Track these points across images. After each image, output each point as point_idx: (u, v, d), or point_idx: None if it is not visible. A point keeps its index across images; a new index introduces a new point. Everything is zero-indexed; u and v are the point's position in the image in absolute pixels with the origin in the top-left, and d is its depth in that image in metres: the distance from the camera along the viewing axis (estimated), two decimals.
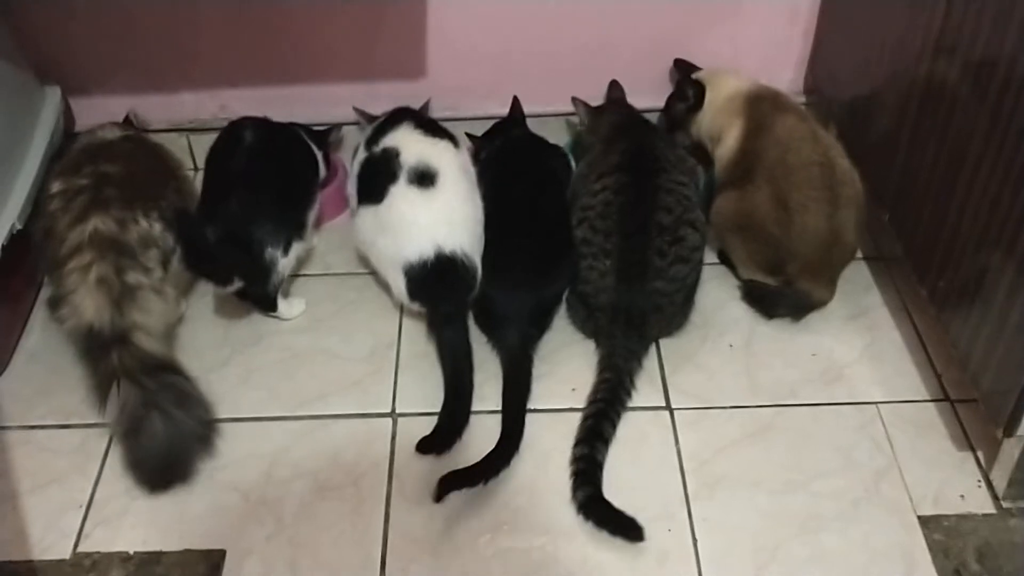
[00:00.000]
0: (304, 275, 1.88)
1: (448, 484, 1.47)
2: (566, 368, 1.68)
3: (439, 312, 1.68)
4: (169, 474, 1.52)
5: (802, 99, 2.10)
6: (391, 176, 1.69)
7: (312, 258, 1.90)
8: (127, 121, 1.94)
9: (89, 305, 1.52)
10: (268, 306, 1.75)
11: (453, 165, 1.74)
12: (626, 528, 1.43)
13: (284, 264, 1.71)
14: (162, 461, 1.51)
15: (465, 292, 1.67)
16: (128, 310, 1.53)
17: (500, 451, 1.51)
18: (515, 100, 2.00)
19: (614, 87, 2.00)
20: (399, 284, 1.68)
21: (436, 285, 1.66)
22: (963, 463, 1.53)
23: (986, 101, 1.38)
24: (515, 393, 1.59)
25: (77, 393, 1.63)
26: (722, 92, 1.89)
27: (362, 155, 1.80)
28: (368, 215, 1.72)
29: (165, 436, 1.49)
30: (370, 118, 1.94)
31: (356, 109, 1.99)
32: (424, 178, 1.69)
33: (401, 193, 1.68)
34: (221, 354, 1.73)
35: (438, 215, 1.67)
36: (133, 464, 1.52)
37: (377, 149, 1.76)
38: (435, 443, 1.55)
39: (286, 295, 1.79)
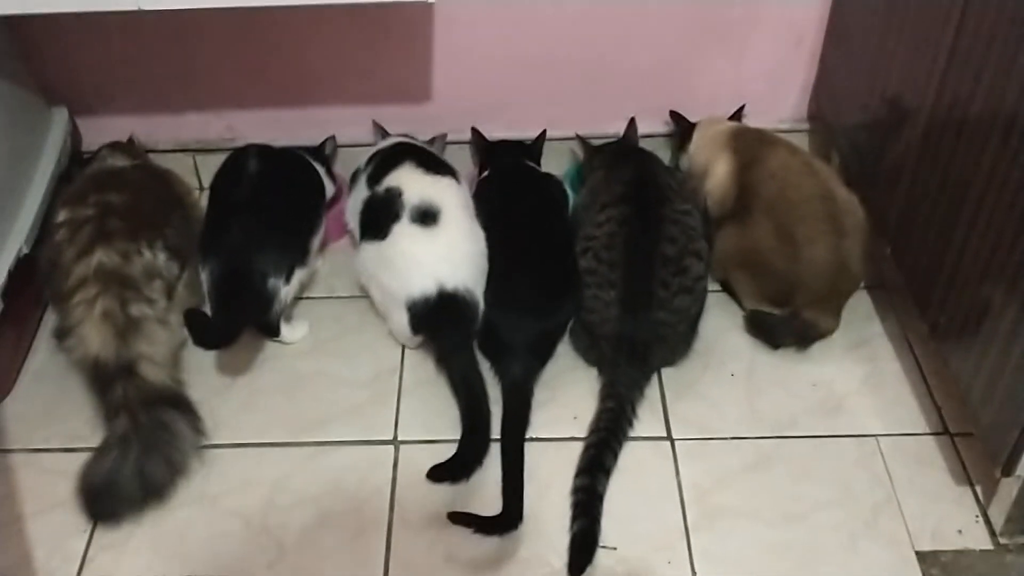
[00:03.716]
0: (307, 298, 1.88)
1: (458, 518, 1.48)
2: (569, 396, 1.69)
3: (443, 346, 1.69)
4: (110, 510, 1.52)
5: (805, 126, 2.11)
6: (394, 216, 1.71)
7: (316, 281, 1.91)
8: (130, 142, 1.95)
9: (95, 338, 1.54)
10: (271, 332, 1.76)
11: (455, 202, 1.75)
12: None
13: (286, 292, 1.72)
14: (108, 495, 1.51)
15: (468, 327, 1.68)
16: (133, 342, 1.55)
17: (508, 510, 1.49)
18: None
19: (631, 126, 2.02)
20: (402, 319, 1.69)
21: (439, 321, 1.67)
22: (961, 498, 1.54)
23: (991, 136, 1.38)
24: (514, 423, 1.60)
25: (82, 416, 1.64)
26: (708, 130, 1.95)
27: (364, 192, 1.82)
28: (371, 251, 1.74)
29: (123, 475, 1.50)
30: (385, 134, 1.98)
31: (375, 123, 2.02)
32: (427, 216, 1.70)
33: (404, 231, 1.70)
34: (224, 377, 1.74)
35: (441, 253, 1.68)
36: (81, 488, 1.52)
37: (380, 188, 1.77)
38: (452, 472, 1.54)
39: (289, 319, 1.80)
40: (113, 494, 1.51)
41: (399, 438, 1.64)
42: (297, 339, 1.80)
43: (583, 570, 1.43)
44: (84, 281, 1.57)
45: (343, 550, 1.48)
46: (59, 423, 1.66)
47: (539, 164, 2.01)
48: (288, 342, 1.79)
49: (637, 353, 1.65)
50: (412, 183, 1.76)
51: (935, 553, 1.47)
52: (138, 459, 1.50)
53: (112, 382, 1.52)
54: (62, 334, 1.58)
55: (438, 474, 1.54)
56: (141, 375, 1.54)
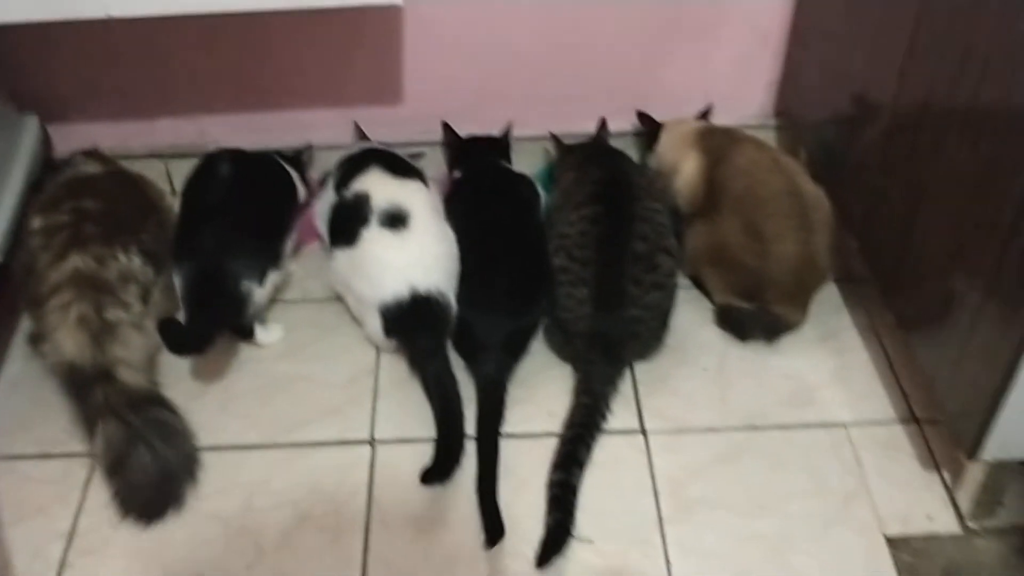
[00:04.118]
0: (282, 301, 1.89)
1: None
2: (543, 392, 1.71)
3: (416, 350, 1.70)
4: (158, 506, 1.53)
5: (773, 122, 2.13)
6: (362, 220, 1.72)
7: (290, 284, 1.92)
8: (94, 153, 1.95)
9: (70, 344, 1.54)
10: (245, 335, 1.77)
11: (423, 205, 1.76)
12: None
13: (260, 295, 1.73)
14: (150, 494, 1.53)
15: (441, 329, 1.69)
16: (109, 347, 1.55)
17: (488, 519, 1.51)
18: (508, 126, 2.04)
19: (602, 126, 2.04)
20: (375, 324, 1.70)
21: (412, 324, 1.68)
22: (930, 484, 1.57)
23: (950, 130, 1.42)
24: (488, 420, 1.62)
25: (59, 422, 1.64)
26: (676, 129, 1.98)
27: (332, 197, 1.83)
28: (342, 257, 1.75)
29: (152, 470, 1.51)
30: (364, 136, 2.02)
31: (357, 125, 2.05)
32: (396, 220, 1.71)
33: (373, 236, 1.71)
34: (199, 381, 1.75)
35: (411, 256, 1.69)
36: (122, 498, 1.53)
37: (347, 193, 1.78)
38: (437, 474, 1.56)
39: (263, 322, 1.80)
40: (165, 487, 1.53)
41: (376, 438, 1.65)
42: (272, 342, 1.81)
43: (548, 561, 1.44)
44: (59, 287, 1.57)
45: (322, 550, 1.49)
46: (36, 429, 1.66)
47: (510, 160, 2.02)
48: (263, 345, 1.80)
49: (610, 349, 1.67)
50: (379, 187, 1.77)
51: (905, 539, 1.49)
52: (155, 454, 1.51)
53: (90, 387, 1.52)
54: (37, 340, 1.59)
55: (429, 478, 1.56)
56: (119, 379, 1.54)
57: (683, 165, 1.89)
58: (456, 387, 1.65)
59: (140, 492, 1.53)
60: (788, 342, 1.79)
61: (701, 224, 1.83)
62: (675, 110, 2.03)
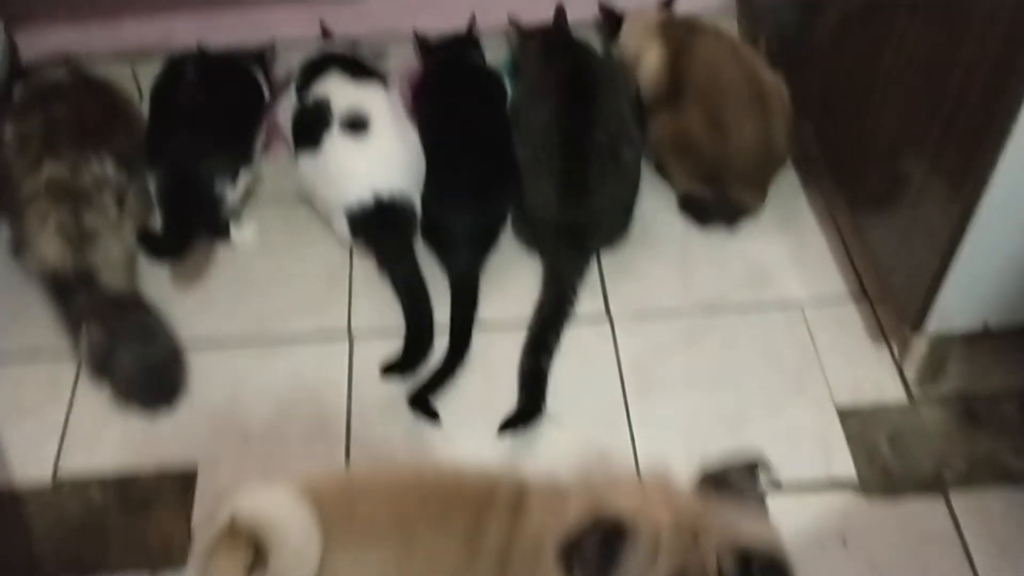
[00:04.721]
0: (255, 200, 1.92)
1: (394, 369, 1.58)
2: (512, 283, 1.77)
3: (382, 252, 1.74)
4: (160, 393, 1.60)
5: (733, 11, 2.15)
6: (323, 126, 1.73)
7: (261, 183, 1.95)
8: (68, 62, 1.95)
9: (50, 251, 1.58)
10: (221, 234, 1.81)
11: (384, 108, 1.77)
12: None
13: (233, 194, 1.77)
14: (142, 389, 1.59)
15: (407, 231, 1.73)
16: (88, 252, 1.60)
17: (446, 367, 1.60)
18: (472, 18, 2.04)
19: (560, 14, 2.04)
20: (342, 227, 1.74)
21: (377, 227, 1.71)
22: (879, 358, 1.65)
23: (898, 12, 1.45)
24: (461, 312, 1.68)
25: (43, 325, 1.68)
26: (638, 21, 1.98)
27: (294, 102, 1.84)
28: (306, 162, 1.77)
29: (137, 369, 1.58)
30: (327, 34, 2.03)
31: (322, 23, 2.04)
32: (356, 125, 1.73)
33: (335, 141, 1.72)
34: (177, 282, 1.79)
35: (373, 161, 1.71)
36: (123, 397, 1.59)
37: (308, 98, 1.80)
38: (400, 368, 1.61)
39: (238, 221, 1.85)
40: (156, 376, 1.60)
41: (353, 332, 1.72)
42: (247, 241, 1.85)
43: (512, 428, 1.52)
44: (36, 195, 1.61)
45: (306, 442, 1.57)
46: (22, 332, 1.71)
47: (481, 56, 2.03)
48: (238, 244, 1.84)
49: (576, 239, 1.73)
50: (339, 92, 1.78)
51: (855, 409, 1.58)
52: (136, 355, 1.57)
53: (72, 292, 1.58)
54: (18, 247, 1.63)
55: (391, 370, 1.61)
56: (100, 284, 1.59)
57: (645, 56, 1.91)
58: (424, 287, 1.70)
59: (132, 389, 1.59)
60: (747, 226, 1.85)
61: (664, 113, 1.86)
62: (637, 0, 2.04)
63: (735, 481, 0.92)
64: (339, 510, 0.95)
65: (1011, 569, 1.38)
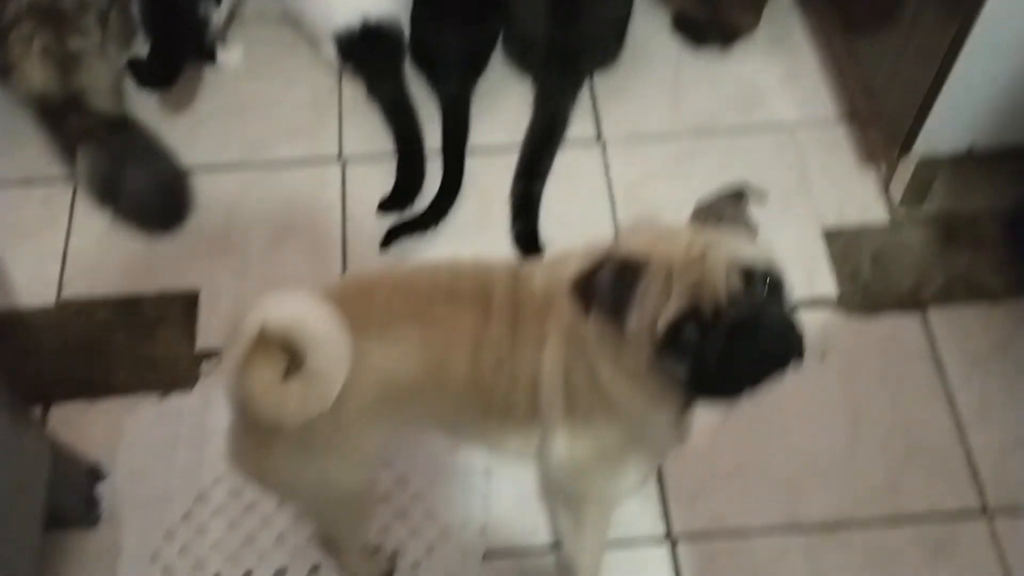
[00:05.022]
0: (240, 21, 1.88)
1: (395, 233, 1.58)
2: (504, 106, 1.76)
3: (371, 77, 1.72)
4: (171, 211, 1.61)
5: None
6: None
7: (245, 3, 1.90)
8: None
9: (37, 75, 1.56)
10: (208, 57, 1.78)
11: None
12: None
13: (218, 15, 1.73)
14: (156, 204, 1.61)
15: (395, 55, 1.71)
16: (75, 75, 1.58)
17: (441, 198, 1.61)
18: None
19: None
20: (329, 51, 1.71)
21: (365, 51, 1.69)
22: (866, 179, 1.68)
23: None
24: (454, 137, 1.68)
25: (34, 148, 1.68)
26: None
27: None
28: None
29: (150, 183, 1.59)
30: None
31: None
32: None
33: None
34: (168, 107, 1.78)
35: None
36: (130, 218, 1.60)
37: None
38: (396, 201, 1.62)
39: (223, 42, 1.81)
40: (168, 193, 1.61)
41: (345, 155, 1.72)
42: (234, 63, 1.82)
43: (529, 253, 1.57)
44: (18, 18, 1.57)
45: (304, 262, 1.60)
46: (15, 158, 1.71)
47: None
48: (226, 66, 1.82)
49: (567, 61, 1.71)
50: None
51: (839, 230, 1.62)
52: (147, 168, 1.59)
53: (63, 116, 1.57)
54: (4, 72, 1.60)
55: (387, 206, 1.62)
56: (90, 106, 1.58)
57: None
58: (413, 111, 1.69)
59: (141, 209, 1.60)
60: (741, 48, 1.83)
61: None
62: None
63: (728, 212, 0.98)
64: (357, 303, 1.00)
65: (981, 382, 1.46)
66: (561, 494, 1.20)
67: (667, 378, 0.93)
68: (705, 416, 0.98)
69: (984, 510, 1.37)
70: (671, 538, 1.36)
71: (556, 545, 1.35)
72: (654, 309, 0.90)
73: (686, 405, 1.00)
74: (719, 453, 1.41)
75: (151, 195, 1.60)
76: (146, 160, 1.60)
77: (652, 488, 1.39)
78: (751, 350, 0.88)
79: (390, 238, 1.58)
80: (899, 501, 1.38)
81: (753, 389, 0.91)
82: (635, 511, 1.36)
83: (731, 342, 0.88)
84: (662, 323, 0.89)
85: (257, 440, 1.01)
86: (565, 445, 1.05)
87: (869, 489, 1.39)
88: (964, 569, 1.33)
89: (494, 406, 1.04)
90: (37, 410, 1.46)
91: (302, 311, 0.92)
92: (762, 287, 0.90)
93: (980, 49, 1.33)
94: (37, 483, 1.23)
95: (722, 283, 0.89)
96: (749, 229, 0.98)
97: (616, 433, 1.04)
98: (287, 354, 0.92)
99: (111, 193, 1.58)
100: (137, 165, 1.58)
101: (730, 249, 0.91)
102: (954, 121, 1.46)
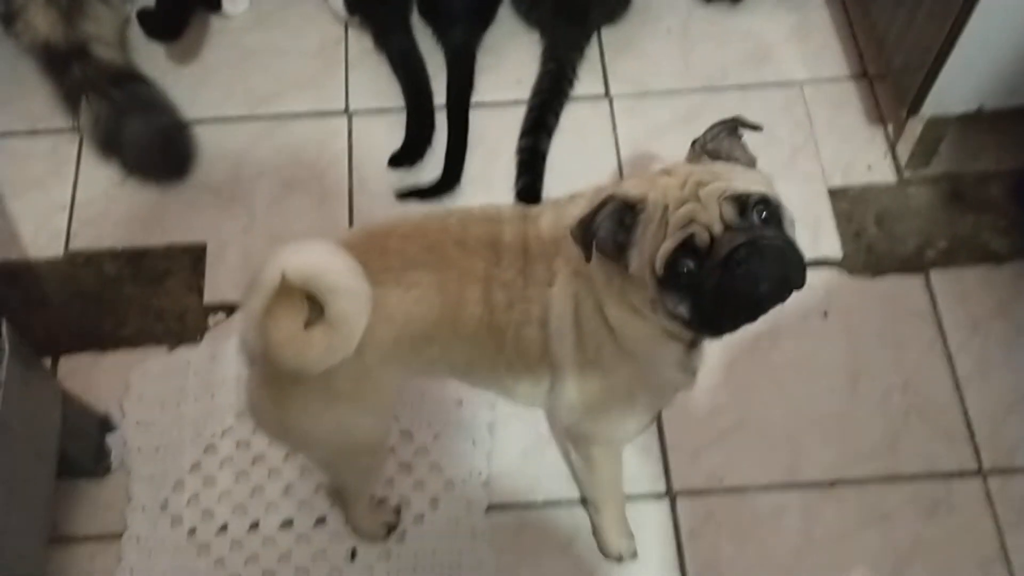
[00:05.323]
0: None
1: (412, 194, 1.59)
2: (511, 59, 1.75)
3: (378, 27, 1.71)
4: (173, 162, 1.61)
5: None
6: None
7: None
8: None
9: (42, 22, 1.56)
10: (213, 5, 1.77)
11: None
12: None
13: None
14: (157, 156, 1.61)
15: (402, 6, 1.69)
16: (80, 23, 1.58)
17: (451, 161, 1.61)
18: None
19: None
20: (338, 3, 1.70)
21: (373, 2, 1.68)
22: (873, 138, 1.67)
23: None
24: (458, 90, 1.67)
25: (39, 98, 1.68)
26: None
27: None
28: None
29: (149, 135, 1.58)
30: None
31: None
32: None
33: None
34: (173, 56, 1.76)
35: None
36: (134, 168, 1.61)
37: None
38: (408, 156, 1.62)
39: None
40: (168, 144, 1.61)
41: (351, 108, 1.71)
42: (239, 11, 1.81)
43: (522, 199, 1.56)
44: None
45: (310, 214, 1.61)
46: (20, 107, 1.70)
47: None
48: (231, 15, 1.80)
49: (576, 13, 1.70)
50: None
51: (845, 189, 1.62)
52: (147, 121, 1.58)
53: (67, 64, 1.57)
54: (9, 20, 1.59)
55: (398, 161, 1.62)
56: (95, 55, 1.58)
57: None
58: (422, 63, 1.68)
59: (144, 159, 1.60)
60: (751, 2, 1.81)
61: None
62: None
63: (724, 147, 1.00)
64: (371, 252, 1.02)
65: (981, 343, 1.48)
66: (570, 435, 1.23)
67: (672, 315, 0.95)
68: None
69: (979, 470, 1.39)
70: (671, 494, 1.38)
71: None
72: (652, 247, 0.92)
73: (693, 343, 1.03)
74: (720, 410, 1.43)
75: (151, 148, 1.60)
76: (147, 112, 1.59)
77: (653, 444, 1.41)
78: (748, 277, 0.90)
79: (407, 195, 1.59)
80: (896, 460, 1.40)
81: (754, 316, 0.93)
82: (636, 467, 1.38)
83: (727, 271, 0.90)
84: (659, 259, 0.91)
85: (276, 391, 1.03)
86: (575, 385, 1.08)
87: (867, 447, 1.41)
88: (958, 528, 1.35)
89: (506, 348, 1.06)
90: (46, 361, 1.47)
91: (322, 259, 0.93)
92: (756, 215, 0.92)
93: (993, 8, 1.32)
94: (50, 432, 1.25)
95: (715, 215, 0.91)
96: (746, 160, 1.00)
97: (625, 372, 1.07)
98: (307, 303, 0.92)
99: (114, 144, 1.58)
100: (137, 117, 1.58)
101: (722, 181, 0.93)
102: (964, 82, 1.45)
